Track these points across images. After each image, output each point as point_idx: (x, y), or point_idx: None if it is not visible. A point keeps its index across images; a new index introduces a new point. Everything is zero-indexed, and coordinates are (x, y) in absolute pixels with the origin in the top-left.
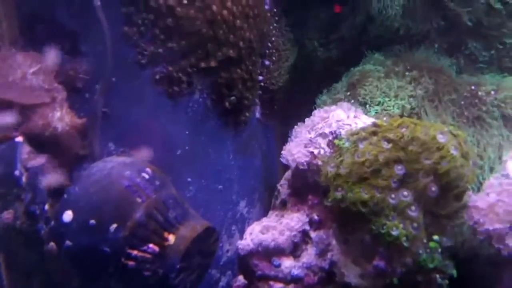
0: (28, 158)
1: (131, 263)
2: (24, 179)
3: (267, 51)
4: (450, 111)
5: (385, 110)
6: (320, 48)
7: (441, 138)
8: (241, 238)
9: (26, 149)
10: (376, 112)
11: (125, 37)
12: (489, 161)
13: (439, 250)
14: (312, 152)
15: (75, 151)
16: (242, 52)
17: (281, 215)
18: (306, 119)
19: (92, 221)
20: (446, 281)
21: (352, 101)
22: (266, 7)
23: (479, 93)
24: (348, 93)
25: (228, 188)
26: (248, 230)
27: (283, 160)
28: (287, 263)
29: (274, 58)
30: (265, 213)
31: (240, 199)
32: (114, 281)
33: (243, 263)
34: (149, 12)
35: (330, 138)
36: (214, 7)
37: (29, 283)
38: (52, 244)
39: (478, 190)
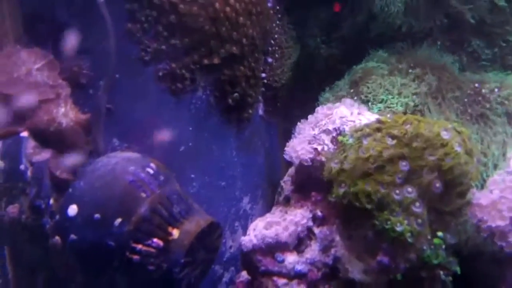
0: (33, 153)
1: (135, 257)
2: (29, 173)
3: (269, 49)
4: (453, 108)
5: (388, 107)
6: (323, 46)
7: (445, 135)
8: (244, 234)
9: (31, 144)
10: (379, 110)
11: (129, 33)
12: (493, 158)
13: (443, 246)
14: (315, 149)
15: (80, 146)
16: (245, 49)
17: (285, 211)
18: (310, 116)
19: (97, 216)
20: (450, 278)
21: (355, 98)
22: (269, 4)
23: (483, 90)
24: (351, 91)
25: (231, 184)
26: (252, 226)
27: (287, 157)
28: (291, 259)
29: (277, 56)
30: (268, 210)
31: (243, 195)
32: (119, 275)
33: (247, 258)
34: (152, 9)
35: (334, 134)
36: (217, 4)
37: (34, 277)
38: (57, 238)
39: (482, 187)
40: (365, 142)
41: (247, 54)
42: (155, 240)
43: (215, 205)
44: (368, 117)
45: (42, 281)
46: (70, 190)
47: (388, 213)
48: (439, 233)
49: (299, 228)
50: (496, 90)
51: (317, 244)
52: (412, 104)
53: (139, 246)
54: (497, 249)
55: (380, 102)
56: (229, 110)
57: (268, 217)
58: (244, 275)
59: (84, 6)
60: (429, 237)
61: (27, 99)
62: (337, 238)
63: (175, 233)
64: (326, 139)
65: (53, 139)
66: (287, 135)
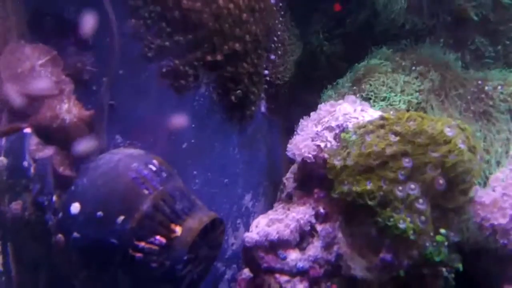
0: (36, 149)
1: (138, 254)
2: (32, 170)
3: (272, 46)
4: (456, 105)
5: (391, 105)
6: (325, 43)
7: (448, 132)
8: (246, 231)
9: (34, 141)
10: (381, 108)
11: (132, 30)
12: (495, 155)
13: (446, 243)
14: (318, 146)
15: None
16: (248, 46)
17: (287, 208)
18: (312, 113)
19: (100, 213)
20: (452, 275)
21: (357, 96)
22: (272, 1)
23: (486, 87)
24: (354, 88)
25: (234, 181)
26: (254, 223)
27: (289, 154)
28: (293, 256)
29: (279, 53)
30: (269, 207)
31: (245, 192)
32: (121, 273)
33: (249, 255)
34: (156, 5)
35: (337, 131)
36: (221, 1)
37: (36, 274)
38: (59, 236)
39: (485, 184)
40: (368, 138)
41: (250, 51)
42: (157, 237)
43: (218, 202)
44: (371, 113)
45: (45, 278)
46: (73, 187)
47: (391, 210)
48: (442, 230)
49: (302, 225)
50: (499, 87)
51: (320, 241)
52: (415, 101)
53: (142, 244)
54: (500, 247)
55: (383, 100)
56: (232, 107)
57: (271, 214)
58: (246, 272)
59: (89, 1)
60: (431, 234)
61: (42, 84)
62: (340, 235)
63: (178, 230)
64: (329, 136)
65: (56, 135)
66: (289, 132)
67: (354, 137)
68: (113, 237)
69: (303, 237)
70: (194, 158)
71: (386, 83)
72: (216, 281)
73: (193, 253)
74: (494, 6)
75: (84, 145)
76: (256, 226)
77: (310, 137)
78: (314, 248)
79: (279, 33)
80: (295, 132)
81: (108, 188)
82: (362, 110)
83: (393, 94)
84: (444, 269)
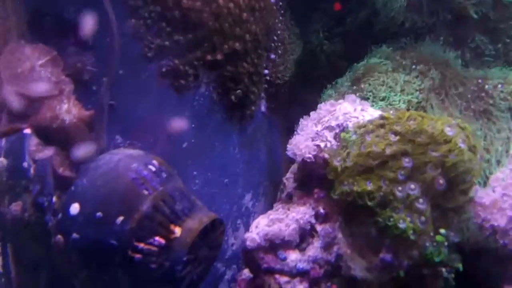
0: (36, 150)
1: (137, 255)
2: (32, 171)
3: (272, 45)
4: (457, 104)
5: (391, 105)
6: (325, 42)
7: (449, 131)
8: (246, 231)
9: (34, 141)
10: (381, 107)
11: (132, 30)
12: (496, 154)
13: (446, 243)
14: (318, 145)
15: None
16: (248, 46)
17: (287, 208)
18: (312, 112)
19: (99, 214)
20: (452, 275)
21: (357, 95)
22: (272, 0)
23: (486, 86)
24: (354, 87)
25: (234, 181)
26: (254, 223)
27: (289, 153)
28: (293, 257)
29: (279, 52)
30: (269, 207)
31: (245, 192)
32: (121, 274)
33: (249, 256)
34: (156, 5)
35: (337, 131)
36: (221, 0)
37: (36, 275)
38: (59, 236)
39: (485, 184)
40: (368, 138)
41: (250, 51)
42: (157, 238)
43: (218, 202)
44: (371, 113)
45: (45, 278)
46: (73, 188)
47: (390, 210)
48: (442, 231)
49: (302, 226)
50: (499, 86)
51: (320, 242)
52: (415, 100)
53: (141, 245)
54: (500, 247)
55: (382, 100)
56: (232, 107)
57: (271, 214)
58: (246, 272)
59: (89, 1)
60: (431, 234)
61: (40, 87)
62: (340, 235)
63: (178, 231)
64: (329, 135)
65: (56, 136)
66: (289, 131)
67: (354, 137)
68: (112, 237)
69: (303, 237)
70: (194, 158)
71: (386, 82)
72: (216, 282)
73: (192, 254)
74: (494, 4)
75: (82, 151)
76: (256, 227)
77: (310, 137)
78: (314, 249)
79: (279, 32)
80: (295, 132)
81: (108, 189)
82: (362, 110)
83: (393, 93)
84: (444, 269)
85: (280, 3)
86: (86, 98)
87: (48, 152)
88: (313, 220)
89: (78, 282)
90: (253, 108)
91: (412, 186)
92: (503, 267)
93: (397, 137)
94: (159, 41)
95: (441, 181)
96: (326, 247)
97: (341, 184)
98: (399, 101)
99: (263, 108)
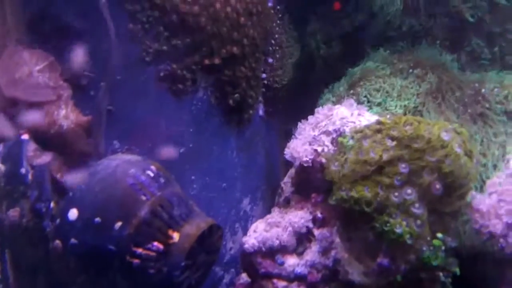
0: (34, 155)
1: (135, 261)
2: (30, 176)
3: (270, 49)
4: (453, 108)
5: (387, 109)
6: (323, 46)
7: (445, 136)
8: (245, 235)
9: (32, 147)
10: (377, 112)
11: (130, 34)
12: (492, 158)
13: (443, 248)
14: (316, 150)
15: (80, 148)
16: (246, 50)
17: (285, 212)
18: (310, 117)
19: (97, 219)
20: (449, 279)
21: (354, 99)
22: (269, 4)
23: (482, 90)
24: (351, 91)
25: (232, 185)
26: (252, 228)
27: (287, 157)
28: (291, 261)
29: (277, 56)
30: (267, 211)
31: (243, 196)
32: (119, 279)
33: (247, 260)
34: (153, 10)
35: (334, 135)
36: (218, 5)
37: (34, 281)
38: (57, 242)
39: (481, 188)
40: (365, 143)
41: (247, 55)
42: (155, 243)
43: (216, 206)
44: (368, 118)
45: (43, 284)
46: (71, 193)
47: (387, 215)
48: (439, 235)
49: (299, 230)
50: (495, 89)
51: (317, 246)
52: (412, 105)
53: (139, 250)
54: (497, 250)
55: (378, 105)
56: (230, 111)
57: (268, 218)
58: (244, 277)
59: (86, 7)
60: (428, 238)
61: (33, 116)
62: (337, 240)
63: (176, 236)
64: (326, 140)
65: (54, 141)
66: (287, 135)
67: (351, 142)
68: (110, 243)
69: (301, 242)
70: (192, 162)
71: (382, 87)
72: (214, 286)
73: (190, 259)
74: (491, 8)
75: (73, 177)
76: (254, 231)
77: (308, 141)
78: (312, 253)
79: (277, 36)
80: (293, 135)
81: (106, 194)
82: (359, 114)
83: (389, 99)
84: (441, 274)
85: (278, 7)
86: (84, 103)
87: (46, 157)
88: (310, 225)
89: (76, 287)
90: (251, 112)
91: (409, 191)
92: (501, 271)
93: (394, 142)
94: (157, 46)
95: (437, 186)
96: (324, 251)
97: (338, 189)
98: (396, 106)
99: (261, 112)
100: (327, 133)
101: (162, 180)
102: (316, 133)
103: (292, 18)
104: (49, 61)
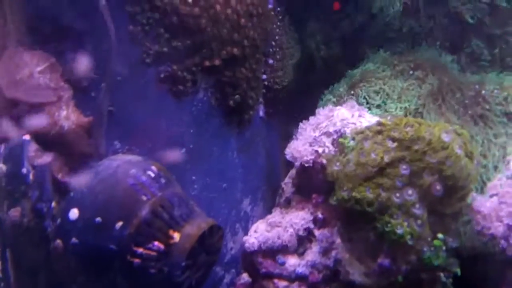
0: (35, 156)
1: (136, 260)
2: (31, 176)
3: (270, 50)
4: (454, 109)
5: (387, 111)
6: (322, 47)
7: (445, 137)
8: (245, 236)
9: (33, 147)
10: (378, 114)
11: (130, 36)
12: (493, 159)
13: (444, 248)
14: (316, 151)
15: (81, 149)
16: (246, 51)
17: (286, 213)
18: (311, 118)
19: (98, 219)
20: (450, 280)
21: (354, 100)
22: (270, 5)
23: (483, 91)
24: (351, 92)
25: (232, 186)
26: (253, 228)
27: (288, 157)
28: (292, 261)
29: (278, 57)
30: (268, 212)
31: (244, 197)
32: (120, 279)
33: (248, 260)
34: (154, 11)
35: (335, 136)
36: (218, 6)
37: (35, 280)
38: (58, 241)
39: (482, 189)
40: (366, 145)
41: (248, 56)
42: (156, 243)
43: (216, 207)
44: (369, 119)
45: (44, 284)
46: (72, 193)
47: (388, 216)
48: (440, 235)
49: (300, 230)
50: (495, 91)
51: (318, 247)
52: (413, 107)
53: (140, 250)
54: (498, 251)
55: (377, 107)
56: (230, 112)
57: (269, 218)
58: (245, 277)
59: (87, 8)
60: (429, 239)
61: (38, 121)
62: (338, 240)
63: (176, 236)
64: (327, 141)
65: (54, 142)
66: (288, 136)
67: (352, 143)
68: (111, 243)
69: (302, 242)
70: (193, 163)
71: (383, 89)
72: (215, 286)
73: (191, 259)
74: (491, 9)
75: (78, 179)
76: (255, 231)
77: (308, 142)
78: (313, 253)
79: (277, 37)
80: (293, 136)
81: (107, 195)
82: (359, 116)
83: (389, 101)
84: (442, 274)
85: (278, 9)
86: (84, 104)
87: (47, 158)
88: (311, 225)
89: (77, 287)
90: (251, 113)
91: (410, 192)
92: (501, 272)
93: (395, 144)
94: (157, 47)
95: (438, 187)
96: (325, 252)
97: (340, 190)
98: (396, 108)
99: (261, 113)
100: (328, 134)
101: (163, 180)
102: (317, 134)
103: (292, 19)
104: (50, 62)
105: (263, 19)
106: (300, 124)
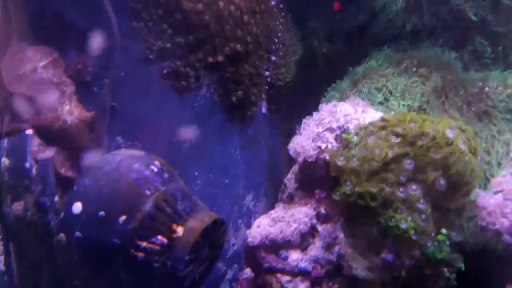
0: (38, 150)
1: (140, 254)
2: (34, 171)
3: (273, 47)
4: (457, 107)
5: (389, 108)
6: (325, 44)
7: (449, 133)
8: (248, 231)
9: (36, 142)
10: (381, 110)
11: (134, 32)
12: (496, 156)
13: (447, 243)
14: (319, 147)
15: (84, 144)
16: (249, 47)
17: (288, 208)
18: (314, 113)
19: (102, 213)
20: (454, 275)
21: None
22: (273, 2)
23: (486, 88)
24: (354, 89)
25: (235, 182)
26: (256, 223)
27: (291, 152)
28: (295, 256)
29: (280, 54)
30: (270, 208)
31: (246, 193)
32: (123, 272)
33: (251, 255)
34: (157, 7)
35: (338, 132)
36: (222, 3)
37: (38, 274)
38: (61, 235)
39: (485, 186)
40: (369, 140)
41: (251, 52)
42: (159, 237)
43: (219, 202)
44: (372, 115)
45: (47, 277)
46: (75, 187)
47: (392, 210)
48: (443, 230)
49: (303, 226)
50: (499, 88)
51: (321, 242)
52: (417, 104)
53: (144, 244)
54: (502, 247)
55: (381, 104)
56: (233, 108)
57: (272, 214)
58: (248, 272)
59: (90, 3)
60: (433, 234)
61: (48, 98)
62: (341, 235)
63: (180, 230)
64: (330, 137)
65: (57, 136)
66: (290, 133)
67: (355, 138)
68: (115, 236)
69: (305, 237)
70: (195, 159)
71: (385, 86)
72: (218, 281)
73: (194, 253)
74: (494, 7)
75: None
76: (258, 226)
77: (311, 137)
78: (316, 248)
79: (280, 34)
80: (296, 132)
81: (110, 189)
82: (363, 112)
83: (391, 98)
84: (445, 269)
85: (281, 5)
86: (87, 99)
87: (50, 152)
88: (314, 220)
89: (80, 280)
90: (254, 109)
91: (414, 187)
92: (505, 268)
93: (399, 139)
94: (160, 43)
95: (441, 182)
96: (328, 247)
97: (343, 185)
98: (399, 105)
99: (264, 110)
100: (331, 129)
101: (166, 175)
102: (320, 129)
103: (295, 16)
104: (53, 58)
105: (266, 16)
106: (303, 119)
